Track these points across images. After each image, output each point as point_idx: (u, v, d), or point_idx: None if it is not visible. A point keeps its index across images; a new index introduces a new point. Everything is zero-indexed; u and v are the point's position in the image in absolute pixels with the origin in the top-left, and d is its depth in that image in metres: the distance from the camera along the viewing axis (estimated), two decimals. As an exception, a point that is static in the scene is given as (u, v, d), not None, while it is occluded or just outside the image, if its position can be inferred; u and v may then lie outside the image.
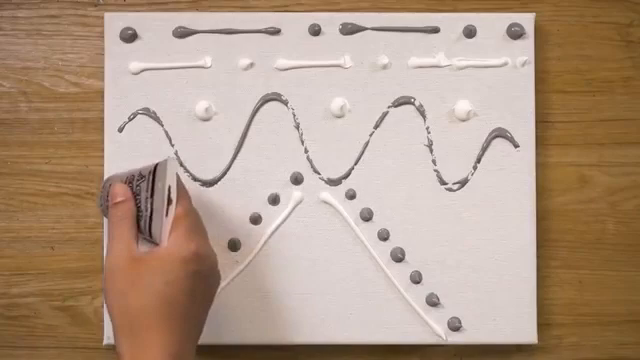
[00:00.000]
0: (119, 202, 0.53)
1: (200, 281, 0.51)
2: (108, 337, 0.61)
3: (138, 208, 0.53)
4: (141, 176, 0.53)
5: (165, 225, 0.51)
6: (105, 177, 0.60)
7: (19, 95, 0.63)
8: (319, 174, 0.62)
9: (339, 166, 0.62)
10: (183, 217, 0.52)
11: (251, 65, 0.62)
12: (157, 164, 0.53)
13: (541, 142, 0.63)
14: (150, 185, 0.53)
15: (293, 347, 0.63)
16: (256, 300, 0.61)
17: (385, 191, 0.62)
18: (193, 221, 0.53)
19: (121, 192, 0.53)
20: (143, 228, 0.53)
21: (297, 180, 0.62)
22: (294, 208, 0.62)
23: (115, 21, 0.62)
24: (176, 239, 0.51)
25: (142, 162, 0.61)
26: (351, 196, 0.62)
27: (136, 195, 0.53)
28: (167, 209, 0.52)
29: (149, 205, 0.52)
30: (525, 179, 0.62)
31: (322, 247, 0.62)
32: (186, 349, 0.50)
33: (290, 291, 0.61)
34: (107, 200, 0.55)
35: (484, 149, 0.62)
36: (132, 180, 0.54)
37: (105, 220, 0.61)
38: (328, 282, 0.62)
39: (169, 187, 0.52)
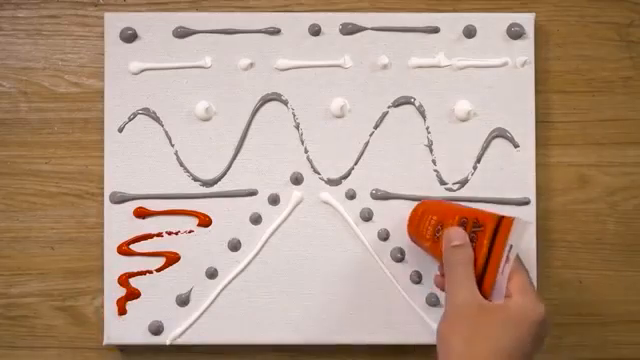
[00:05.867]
0: (458, 245, 0.53)
1: (539, 345, 0.51)
2: (108, 337, 0.61)
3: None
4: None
5: (500, 282, 0.51)
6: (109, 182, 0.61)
7: (19, 95, 0.63)
8: (319, 174, 0.62)
9: (339, 166, 0.62)
10: (527, 280, 0.52)
11: (251, 65, 0.62)
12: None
13: (541, 142, 0.63)
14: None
15: (293, 347, 0.63)
16: (256, 300, 0.61)
17: (385, 191, 0.62)
18: (533, 286, 0.53)
19: (459, 236, 0.53)
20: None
21: (297, 180, 0.62)
22: (294, 208, 0.62)
23: (115, 21, 0.62)
24: (527, 300, 0.51)
25: (142, 162, 0.61)
26: (351, 196, 0.62)
27: (471, 241, 0.53)
28: (504, 266, 0.51)
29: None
30: (525, 179, 0.62)
31: (322, 247, 0.62)
32: None
33: (290, 291, 0.61)
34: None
35: (484, 149, 0.62)
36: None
37: (106, 220, 0.61)
38: (328, 282, 0.61)
39: (511, 246, 0.51)
